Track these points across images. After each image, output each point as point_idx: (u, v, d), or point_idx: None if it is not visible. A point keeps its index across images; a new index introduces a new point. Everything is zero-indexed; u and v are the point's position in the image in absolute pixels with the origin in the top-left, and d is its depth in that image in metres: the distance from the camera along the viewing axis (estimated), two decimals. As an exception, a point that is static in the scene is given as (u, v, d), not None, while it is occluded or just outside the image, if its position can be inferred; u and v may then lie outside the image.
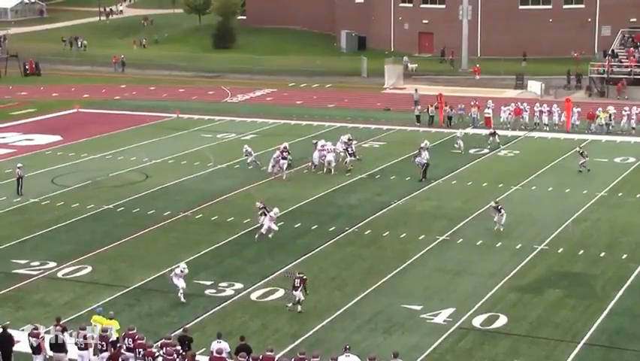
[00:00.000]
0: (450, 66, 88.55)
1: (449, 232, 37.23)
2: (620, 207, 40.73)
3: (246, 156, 48.40)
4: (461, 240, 36.47)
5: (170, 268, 31.44)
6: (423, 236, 36.65)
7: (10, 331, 25.34)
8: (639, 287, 30.71)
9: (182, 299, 29.86)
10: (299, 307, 28.95)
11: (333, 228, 37.98)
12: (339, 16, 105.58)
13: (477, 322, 28.45)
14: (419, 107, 61.65)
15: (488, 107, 59.18)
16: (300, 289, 28.97)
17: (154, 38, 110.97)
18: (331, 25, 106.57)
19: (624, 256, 34.17)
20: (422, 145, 46.77)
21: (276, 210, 36.58)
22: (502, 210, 36.99)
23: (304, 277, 29.32)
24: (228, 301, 30.27)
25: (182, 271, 30.09)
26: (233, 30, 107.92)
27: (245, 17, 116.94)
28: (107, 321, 25.76)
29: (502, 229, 36.75)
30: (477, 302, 29.79)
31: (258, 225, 36.66)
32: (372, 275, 32.47)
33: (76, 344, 24.79)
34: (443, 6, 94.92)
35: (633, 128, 56.71)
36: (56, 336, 24.83)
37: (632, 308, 29.33)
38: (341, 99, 72.36)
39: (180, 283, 29.99)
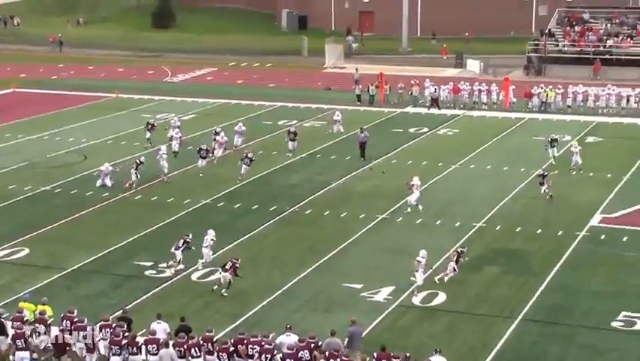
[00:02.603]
0: (361, 45, 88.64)
1: (389, 211, 37.46)
2: (556, 185, 41.23)
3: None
4: (401, 218, 36.73)
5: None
6: (363, 215, 36.83)
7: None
8: (574, 263, 31.25)
9: (200, 267, 30.96)
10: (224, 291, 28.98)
11: (274, 208, 38.00)
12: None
13: (417, 300, 28.72)
14: (360, 86, 61.81)
15: (433, 87, 59.65)
16: (230, 271, 28.90)
17: (89, 18, 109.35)
18: (272, 4, 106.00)
19: (560, 232, 34.72)
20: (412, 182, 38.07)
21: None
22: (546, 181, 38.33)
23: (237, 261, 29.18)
24: (168, 282, 30.18)
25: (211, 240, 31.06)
26: (173, 9, 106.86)
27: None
28: (35, 307, 25.35)
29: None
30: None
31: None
32: (313, 255, 32.59)
33: (12, 327, 24.54)
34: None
35: (569, 107, 57.48)
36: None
37: (567, 284, 29.85)
38: (282, 79, 72.21)
39: (206, 254, 30.98)
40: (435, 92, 59.30)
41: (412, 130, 52.53)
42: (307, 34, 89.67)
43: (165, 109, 59.24)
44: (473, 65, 74.55)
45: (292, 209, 37.97)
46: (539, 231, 34.84)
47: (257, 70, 78.14)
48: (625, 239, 33.78)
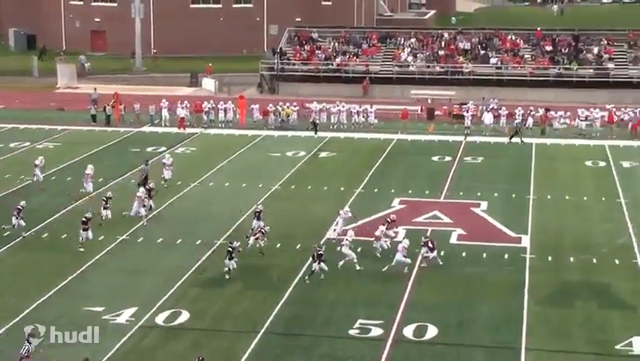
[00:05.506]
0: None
1: (129, 232, 37.12)
2: (292, 199, 42.48)
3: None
4: (142, 239, 36.51)
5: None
6: (103, 237, 36.25)
7: None
8: (313, 276, 32.15)
9: (357, 267, 32.90)
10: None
11: (7, 233, 36.64)
12: (6, 13, 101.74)
13: (160, 319, 28.67)
14: (96, 105, 60.88)
15: (179, 107, 59.38)
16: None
17: None
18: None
19: (298, 245, 35.71)
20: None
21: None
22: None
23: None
24: None
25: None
26: None
27: None
28: None
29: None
30: (159, 300, 30.02)
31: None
32: (52, 279, 31.75)
33: None
34: (115, 4, 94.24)
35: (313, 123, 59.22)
36: None
37: (306, 296, 30.73)
38: (12, 100, 69.75)
39: (349, 253, 33.01)
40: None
41: (149, 149, 52.30)
42: (37, 54, 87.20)
43: None
44: (209, 84, 75.30)
45: (27, 233, 36.79)
46: (279, 245, 35.65)
47: (-16, 91, 75.05)
48: (359, 250, 35.17)
